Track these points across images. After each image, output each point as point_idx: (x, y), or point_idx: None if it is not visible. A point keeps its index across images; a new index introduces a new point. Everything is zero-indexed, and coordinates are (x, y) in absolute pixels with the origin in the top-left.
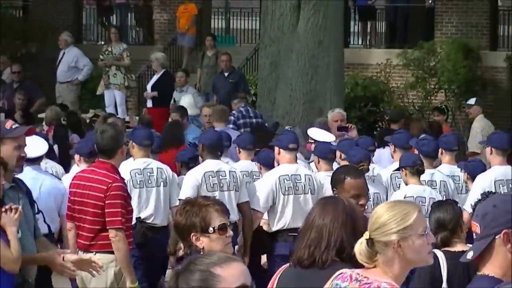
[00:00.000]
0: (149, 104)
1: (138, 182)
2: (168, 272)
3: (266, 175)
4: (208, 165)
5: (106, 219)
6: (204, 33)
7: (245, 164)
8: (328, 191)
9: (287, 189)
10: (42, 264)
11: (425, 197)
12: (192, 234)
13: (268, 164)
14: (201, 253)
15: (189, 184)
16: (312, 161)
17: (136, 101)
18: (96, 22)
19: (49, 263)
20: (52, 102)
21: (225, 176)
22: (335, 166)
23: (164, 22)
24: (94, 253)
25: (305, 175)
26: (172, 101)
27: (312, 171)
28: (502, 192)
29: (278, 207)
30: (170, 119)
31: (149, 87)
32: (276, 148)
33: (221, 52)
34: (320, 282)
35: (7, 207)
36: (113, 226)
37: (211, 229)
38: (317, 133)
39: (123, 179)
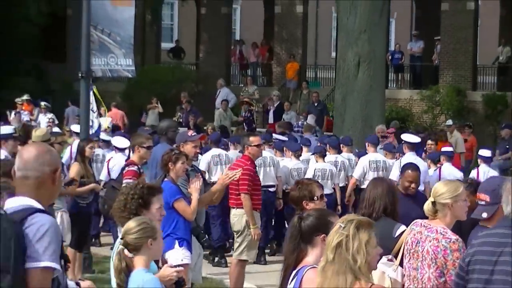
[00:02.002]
0: (270, 121)
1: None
2: None
3: None
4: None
5: (239, 187)
6: (302, 80)
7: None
8: (278, 166)
9: (259, 163)
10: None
11: (326, 169)
12: (304, 201)
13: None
14: None
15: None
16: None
17: (261, 120)
18: (238, 73)
19: (211, 194)
20: (211, 121)
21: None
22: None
23: (279, 73)
24: (236, 208)
25: (269, 156)
26: (282, 120)
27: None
28: (373, 167)
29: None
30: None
31: (271, 112)
32: None
33: (312, 91)
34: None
35: (194, 178)
36: (242, 192)
37: (315, 198)
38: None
39: (253, 164)
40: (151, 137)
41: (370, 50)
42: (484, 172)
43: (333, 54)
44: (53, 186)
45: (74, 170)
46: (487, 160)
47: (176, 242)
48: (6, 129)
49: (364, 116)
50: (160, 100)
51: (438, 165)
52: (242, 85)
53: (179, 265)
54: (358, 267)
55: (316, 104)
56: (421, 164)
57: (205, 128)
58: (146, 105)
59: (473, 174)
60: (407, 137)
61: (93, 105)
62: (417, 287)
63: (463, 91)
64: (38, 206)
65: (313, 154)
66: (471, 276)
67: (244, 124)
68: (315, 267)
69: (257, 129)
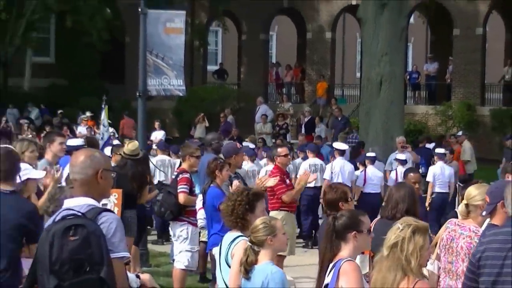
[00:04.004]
0: (302, 131)
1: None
2: None
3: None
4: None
5: (277, 193)
6: (330, 97)
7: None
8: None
9: None
10: None
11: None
12: (341, 203)
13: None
14: None
15: None
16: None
17: (295, 132)
18: (275, 91)
19: None
20: (252, 133)
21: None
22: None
23: (310, 91)
24: (270, 211)
25: None
26: (314, 133)
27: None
28: (313, 169)
29: None
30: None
31: (303, 125)
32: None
33: (339, 107)
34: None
35: (235, 183)
36: (282, 195)
37: (349, 198)
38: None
39: (282, 171)
40: (200, 148)
41: (391, 70)
42: (400, 173)
43: (358, 74)
44: (98, 185)
45: None
46: (403, 163)
47: None
48: (76, 142)
49: (385, 129)
50: (206, 115)
51: (363, 167)
52: (278, 102)
53: None
54: (411, 268)
55: (339, 119)
56: (349, 166)
57: (246, 140)
58: (195, 120)
59: (392, 175)
60: (337, 145)
61: (105, 121)
62: (452, 278)
63: (473, 106)
64: (97, 204)
65: (265, 157)
66: (483, 271)
67: (279, 132)
68: (350, 259)
69: (292, 140)
